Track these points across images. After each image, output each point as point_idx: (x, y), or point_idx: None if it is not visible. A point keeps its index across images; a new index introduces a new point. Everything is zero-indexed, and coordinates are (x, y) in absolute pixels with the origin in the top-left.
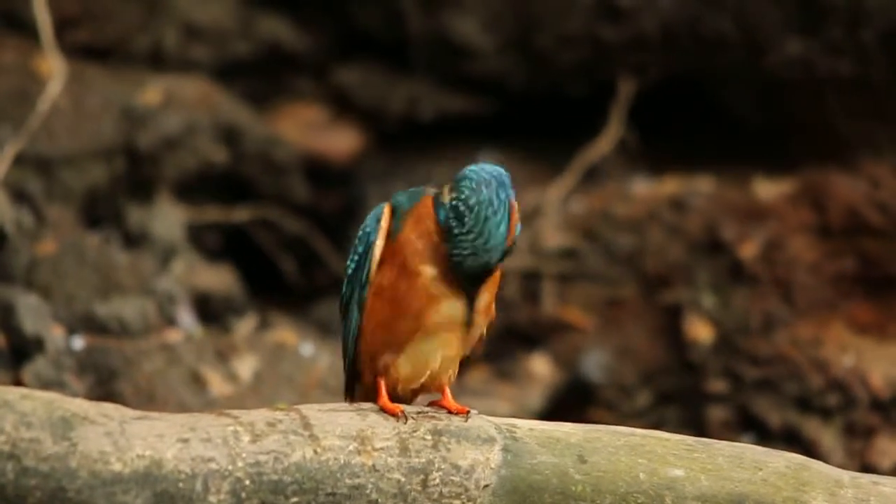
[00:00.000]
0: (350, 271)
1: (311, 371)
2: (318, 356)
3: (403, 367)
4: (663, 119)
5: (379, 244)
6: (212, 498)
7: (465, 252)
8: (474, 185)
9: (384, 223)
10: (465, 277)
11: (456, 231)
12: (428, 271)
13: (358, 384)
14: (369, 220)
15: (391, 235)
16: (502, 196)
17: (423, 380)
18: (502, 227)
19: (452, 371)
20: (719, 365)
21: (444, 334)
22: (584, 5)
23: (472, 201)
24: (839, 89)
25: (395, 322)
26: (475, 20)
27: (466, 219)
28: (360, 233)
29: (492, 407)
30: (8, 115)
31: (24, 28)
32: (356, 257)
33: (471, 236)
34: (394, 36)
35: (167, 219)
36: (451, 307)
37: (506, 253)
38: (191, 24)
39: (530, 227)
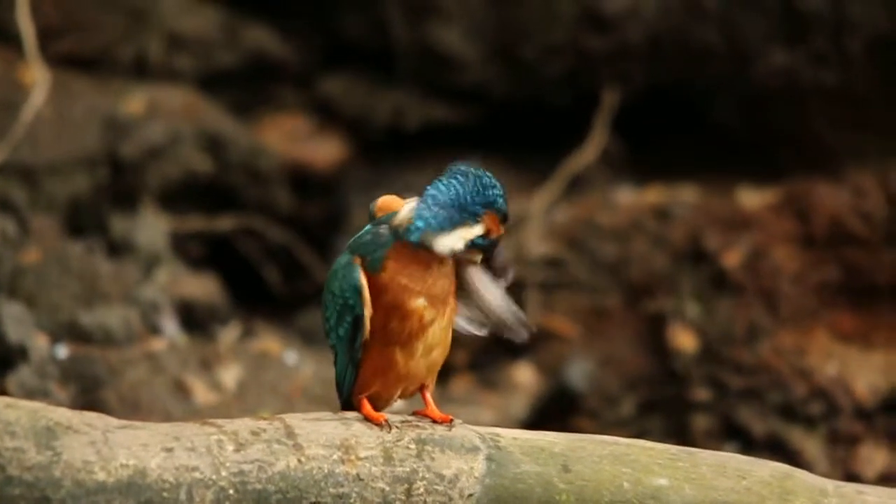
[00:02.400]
0: (340, 334)
1: (295, 379)
2: (302, 364)
3: (395, 389)
4: (647, 129)
5: (367, 314)
6: None
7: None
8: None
9: (366, 295)
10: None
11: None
12: (419, 303)
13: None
14: (347, 288)
15: (368, 272)
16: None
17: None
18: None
19: (431, 378)
20: (703, 374)
21: (431, 350)
22: (568, 15)
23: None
24: (823, 99)
25: (390, 362)
26: (460, 30)
27: (443, 186)
28: (339, 300)
29: (476, 416)
30: None
31: (8, 38)
32: (346, 326)
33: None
34: (379, 46)
35: (151, 228)
36: (438, 326)
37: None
38: (175, 33)
39: (515, 236)
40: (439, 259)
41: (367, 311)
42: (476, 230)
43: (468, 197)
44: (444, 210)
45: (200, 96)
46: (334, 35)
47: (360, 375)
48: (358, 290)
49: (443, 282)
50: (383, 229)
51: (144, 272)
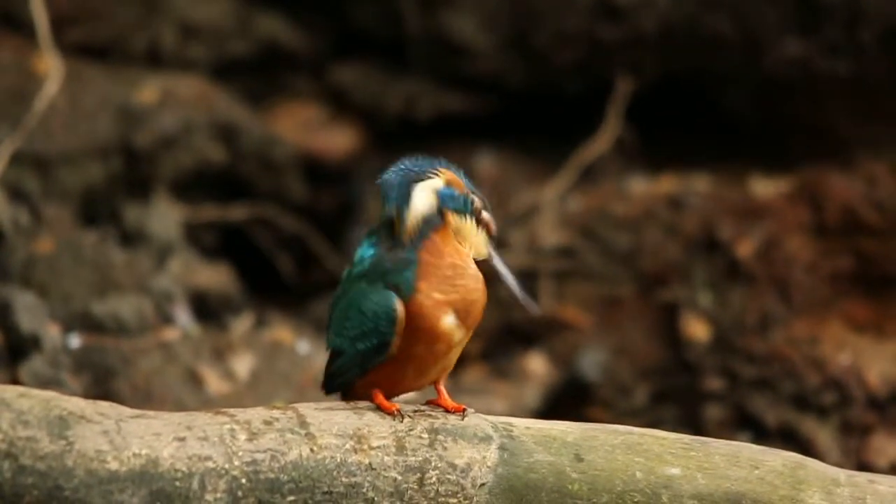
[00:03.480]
0: (358, 348)
1: (307, 369)
2: (315, 354)
3: (405, 390)
4: (661, 118)
5: (396, 342)
6: (208, 496)
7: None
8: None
9: (399, 328)
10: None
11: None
12: (450, 323)
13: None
14: (382, 316)
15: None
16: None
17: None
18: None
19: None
20: (716, 363)
21: (445, 369)
22: (581, 4)
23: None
24: (837, 89)
25: (399, 377)
26: (473, 19)
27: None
28: (370, 322)
29: (489, 405)
30: (5, 113)
31: (22, 27)
32: (368, 345)
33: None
34: (391, 35)
35: (164, 217)
36: (460, 347)
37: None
38: (188, 22)
39: (528, 226)
40: (454, 237)
41: (398, 340)
42: (435, 181)
43: (412, 168)
44: (396, 187)
45: (213, 85)
46: (347, 24)
47: (363, 379)
48: (393, 321)
49: (469, 282)
50: (393, 250)
51: (157, 262)
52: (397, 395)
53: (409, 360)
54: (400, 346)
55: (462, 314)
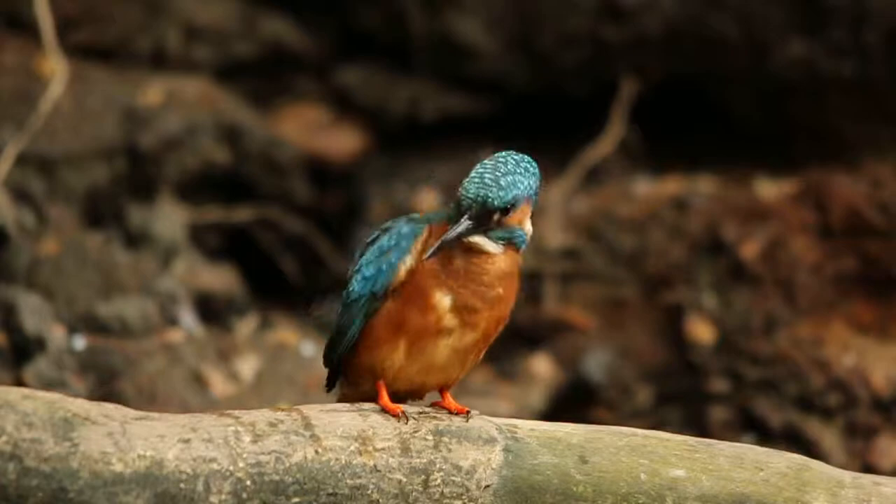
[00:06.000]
0: (367, 273)
1: (312, 371)
2: (320, 356)
3: (404, 381)
4: (665, 119)
5: (409, 262)
6: (213, 498)
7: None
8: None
9: (420, 245)
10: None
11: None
12: (445, 302)
13: (340, 380)
14: (405, 233)
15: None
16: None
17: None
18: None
19: (456, 375)
20: (720, 365)
21: (431, 369)
22: (586, 5)
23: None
24: (841, 90)
25: (396, 349)
26: (477, 20)
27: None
28: (390, 240)
29: (493, 407)
30: (10, 115)
31: (26, 28)
32: (383, 266)
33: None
34: (395, 36)
35: (168, 219)
36: (449, 345)
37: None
38: (192, 24)
39: (532, 227)
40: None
41: (411, 261)
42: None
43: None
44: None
45: (218, 87)
46: (351, 25)
47: (361, 344)
48: (414, 235)
49: (479, 288)
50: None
51: (162, 263)
52: (395, 383)
53: (402, 327)
54: (395, 307)
55: (460, 307)
